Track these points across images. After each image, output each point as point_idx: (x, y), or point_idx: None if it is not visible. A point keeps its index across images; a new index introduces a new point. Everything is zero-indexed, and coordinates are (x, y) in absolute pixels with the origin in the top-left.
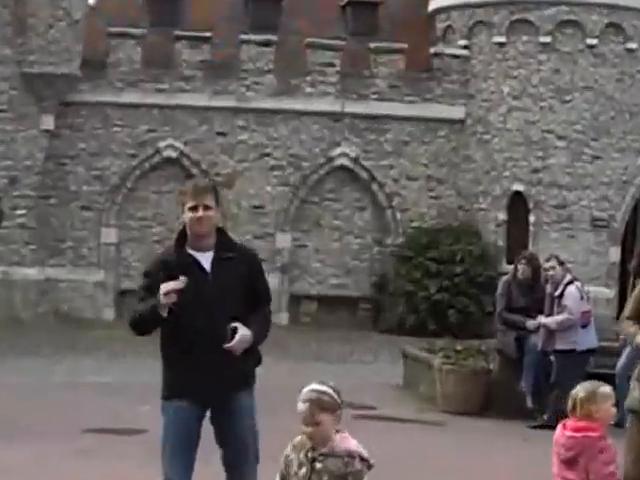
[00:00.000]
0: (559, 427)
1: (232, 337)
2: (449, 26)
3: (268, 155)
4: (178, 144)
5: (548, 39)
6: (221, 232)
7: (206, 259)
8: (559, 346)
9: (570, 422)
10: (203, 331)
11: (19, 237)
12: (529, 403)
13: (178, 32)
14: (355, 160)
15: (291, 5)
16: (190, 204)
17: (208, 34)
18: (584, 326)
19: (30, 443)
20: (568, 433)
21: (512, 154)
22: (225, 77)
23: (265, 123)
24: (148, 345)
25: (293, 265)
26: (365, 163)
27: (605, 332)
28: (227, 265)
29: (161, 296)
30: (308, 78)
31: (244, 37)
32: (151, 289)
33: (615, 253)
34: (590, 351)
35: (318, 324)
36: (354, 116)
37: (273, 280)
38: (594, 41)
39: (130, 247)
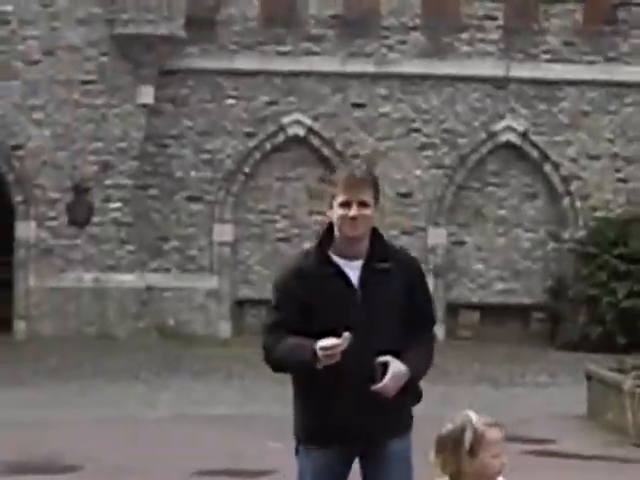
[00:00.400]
0: None
1: (382, 375)
2: None
3: (417, 131)
4: (306, 119)
5: None
6: (376, 235)
7: (354, 270)
8: None
9: None
10: (348, 365)
11: (113, 236)
12: None
13: None
14: (523, 135)
15: None
16: (342, 199)
17: None
18: None
19: None
20: None
21: None
22: (362, 36)
23: (412, 91)
24: None
25: (449, 267)
26: (536, 139)
27: None
28: (381, 279)
29: (319, 351)
30: (464, 35)
31: None
32: (285, 308)
33: None
34: None
35: (481, 339)
36: (521, 81)
37: None
38: None
39: (249, 247)
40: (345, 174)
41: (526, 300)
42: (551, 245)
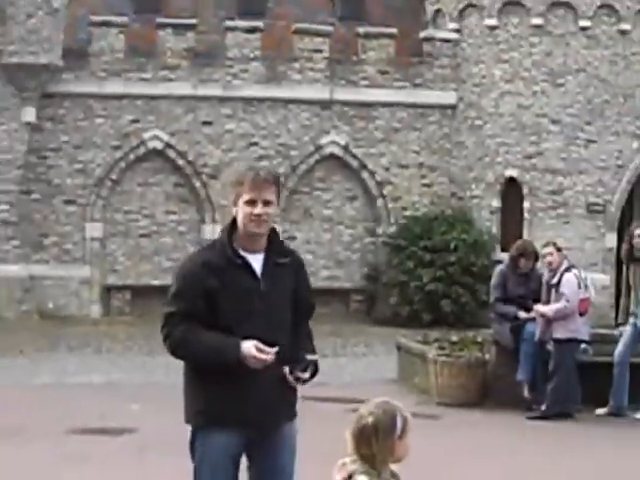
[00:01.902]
0: None
1: (303, 369)
2: (439, 9)
3: (256, 144)
4: (163, 135)
5: (540, 21)
6: (273, 232)
7: (257, 262)
8: (558, 335)
9: None
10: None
11: (1, 233)
12: (526, 394)
13: (161, 19)
14: (345, 148)
15: None
16: (247, 197)
17: (192, 21)
18: (582, 314)
19: (13, 447)
20: None
21: (505, 139)
22: (210, 65)
23: (252, 112)
24: (138, 341)
25: None
26: (355, 151)
27: (602, 319)
28: (280, 272)
29: (249, 359)
30: (296, 65)
31: (229, 24)
32: (189, 297)
33: (611, 239)
34: (581, 341)
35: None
36: (343, 103)
37: None
38: (587, 23)
39: (116, 242)
40: (251, 174)
41: (347, 285)
42: (368, 239)
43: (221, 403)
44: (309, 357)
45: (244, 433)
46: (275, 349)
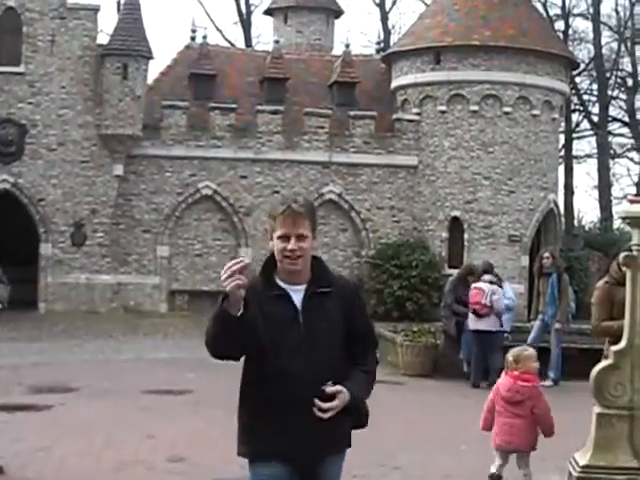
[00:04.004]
0: (504, 378)
1: (325, 397)
2: (406, 99)
3: (277, 192)
4: (212, 185)
5: (476, 108)
6: (317, 261)
7: (297, 294)
8: (489, 328)
9: (513, 375)
10: (291, 385)
11: (98, 252)
12: (465, 369)
13: (212, 104)
14: (339, 195)
15: (293, 85)
16: (280, 232)
17: (234, 105)
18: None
19: (106, 401)
20: (520, 383)
21: (451, 190)
22: (246, 136)
23: (275, 169)
24: (193, 329)
25: None
26: (347, 197)
27: (518, 316)
28: (322, 302)
29: (226, 283)
30: (305, 137)
31: (259, 107)
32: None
33: (525, 260)
34: (504, 331)
35: None
36: (338, 164)
37: None
38: (509, 109)
39: (178, 259)
40: (283, 208)
41: None
42: (355, 259)
43: (262, 436)
44: (327, 388)
45: (288, 465)
46: (243, 258)
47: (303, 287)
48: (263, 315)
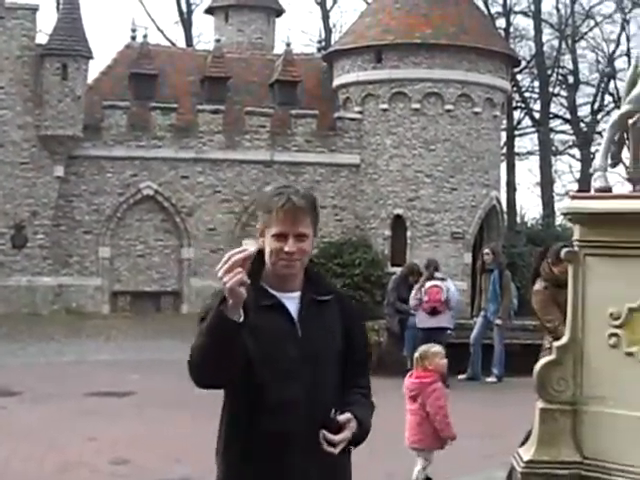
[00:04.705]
0: (407, 376)
1: (334, 428)
2: (348, 97)
3: (219, 192)
4: (154, 185)
5: (418, 105)
6: (311, 266)
7: (291, 302)
8: (444, 324)
9: (415, 372)
10: (292, 413)
11: (39, 254)
12: (409, 365)
13: (153, 103)
14: None
15: (234, 84)
16: (276, 230)
17: (175, 105)
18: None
19: (49, 404)
20: (412, 380)
21: (394, 188)
22: (187, 136)
23: (216, 169)
24: (135, 330)
25: None
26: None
27: (461, 313)
28: (322, 313)
29: (225, 278)
30: (247, 136)
31: (200, 107)
32: None
33: (468, 257)
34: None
35: None
36: (280, 163)
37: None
38: (451, 107)
39: (120, 260)
40: (282, 201)
41: None
42: None
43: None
44: (339, 417)
45: None
46: (250, 241)
47: (297, 294)
48: (252, 330)
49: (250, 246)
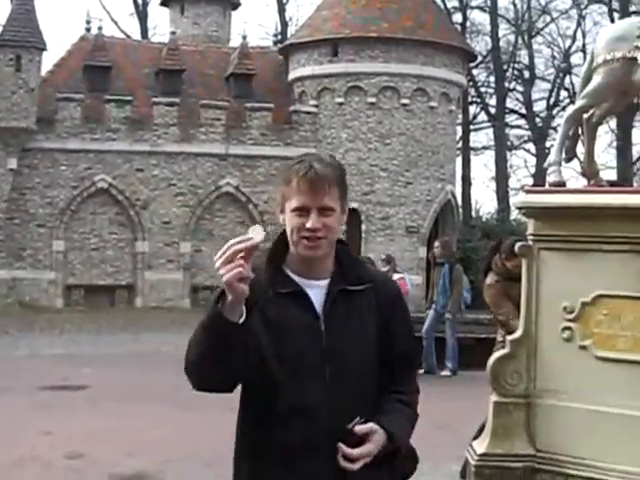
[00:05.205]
0: None
1: (353, 440)
2: (303, 91)
3: (174, 185)
4: (108, 178)
5: (374, 100)
6: (343, 246)
7: (316, 292)
8: None
9: None
10: (312, 422)
11: None
12: None
13: (108, 96)
14: (236, 188)
15: (190, 76)
16: (296, 203)
17: (130, 97)
18: None
19: (2, 398)
20: None
21: (349, 182)
22: (142, 129)
23: (171, 162)
24: (89, 324)
25: (193, 264)
26: (244, 190)
27: (416, 307)
28: (352, 305)
29: (222, 271)
30: (202, 129)
31: (155, 100)
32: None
33: (423, 251)
34: None
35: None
36: (235, 156)
37: (177, 276)
38: (407, 101)
39: (74, 254)
40: (302, 169)
41: None
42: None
43: None
44: (358, 428)
45: None
46: (258, 227)
47: (325, 283)
48: (266, 323)
49: (256, 234)
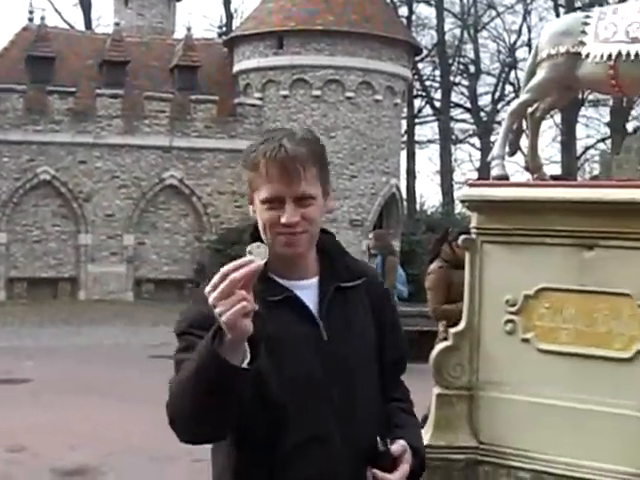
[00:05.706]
0: None
1: (386, 462)
2: (248, 83)
3: (117, 177)
4: (51, 170)
5: (319, 93)
6: (328, 236)
7: (307, 293)
8: None
9: None
10: (327, 453)
11: None
12: None
13: (50, 87)
14: (180, 180)
15: (134, 68)
16: (265, 193)
17: (73, 89)
18: None
19: None
20: None
21: None
22: (85, 121)
23: (114, 154)
24: (32, 317)
25: (137, 257)
26: (188, 182)
27: None
28: (349, 304)
29: (220, 308)
30: (146, 121)
31: (99, 91)
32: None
33: (366, 244)
34: None
35: (154, 299)
36: (179, 149)
37: (120, 268)
38: (352, 94)
39: (16, 246)
40: (270, 150)
41: (181, 276)
42: (196, 244)
43: None
44: (392, 448)
45: None
46: (259, 246)
47: (313, 282)
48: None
49: (258, 256)
